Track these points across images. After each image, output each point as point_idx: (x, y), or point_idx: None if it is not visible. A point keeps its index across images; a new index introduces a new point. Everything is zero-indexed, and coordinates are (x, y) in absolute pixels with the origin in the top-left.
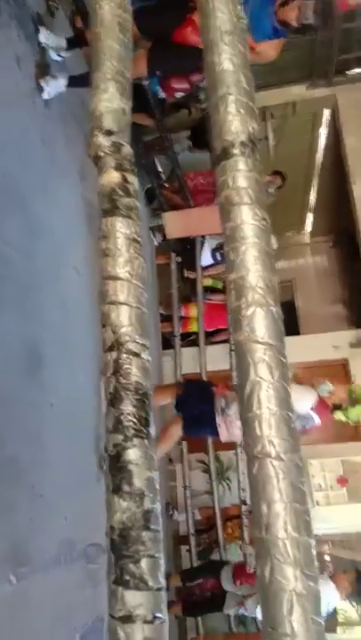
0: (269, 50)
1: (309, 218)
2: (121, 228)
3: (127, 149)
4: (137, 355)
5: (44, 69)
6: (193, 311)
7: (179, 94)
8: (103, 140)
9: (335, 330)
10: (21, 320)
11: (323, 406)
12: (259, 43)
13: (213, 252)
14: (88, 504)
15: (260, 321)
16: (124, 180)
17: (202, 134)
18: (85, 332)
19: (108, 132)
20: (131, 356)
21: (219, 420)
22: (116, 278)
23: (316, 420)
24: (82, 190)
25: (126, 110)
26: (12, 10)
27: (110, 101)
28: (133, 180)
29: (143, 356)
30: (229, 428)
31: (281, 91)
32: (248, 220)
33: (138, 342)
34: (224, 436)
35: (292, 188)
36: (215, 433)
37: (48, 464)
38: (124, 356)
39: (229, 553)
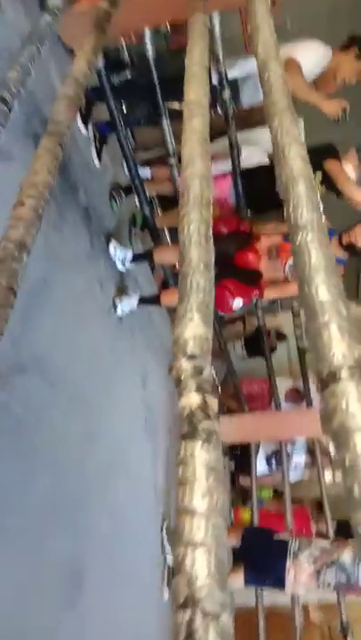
0: None
1: None
2: (201, 454)
3: (208, 372)
4: (216, 617)
5: (121, 290)
6: (245, 515)
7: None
8: (185, 364)
9: None
10: (67, 538)
11: None
12: None
13: (268, 458)
14: None
15: None
16: (205, 402)
17: (255, 343)
18: (132, 548)
19: (191, 357)
20: (208, 620)
21: (289, 564)
22: (192, 513)
23: None
24: (142, 394)
25: (209, 337)
26: (92, 227)
27: (195, 329)
28: (214, 403)
29: (223, 617)
30: (298, 575)
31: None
32: None
33: (217, 600)
34: (290, 586)
35: None
36: (281, 583)
37: None
38: (200, 618)
39: None
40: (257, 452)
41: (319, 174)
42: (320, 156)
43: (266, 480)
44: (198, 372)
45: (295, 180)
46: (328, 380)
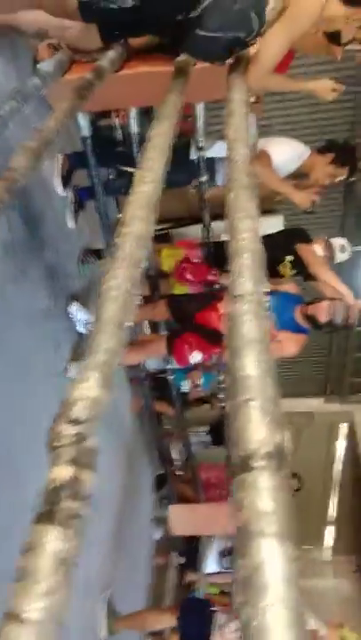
0: (290, 343)
1: (330, 531)
2: (53, 542)
3: (93, 443)
4: None
5: (78, 354)
6: None
7: (199, 387)
8: (66, 429)
9: None
10: None
11: None
12: (279, 331)
13: (220, 556)
14: None
15: None
16: (76, 478)
17: (222, 431)
18: None
19: (75, 421)
20: None
21: (214, 636)
22: (18, 620)
23: None
24: None
25: (103, 402)
26: (57, 287)
27: (88, 390)
28: (88, 480)
29: None
30: None
31: (299, 400)
32: (271, 560)
33: None
34: None
35: (310, 496)
36: None
37: None
38: None
39: None
40: (210, 546)
41: (290, 257)
42: (292, 240)
43: (215, 578)
44: (80, 439)
45: (241, 252)
46: (240, 467)
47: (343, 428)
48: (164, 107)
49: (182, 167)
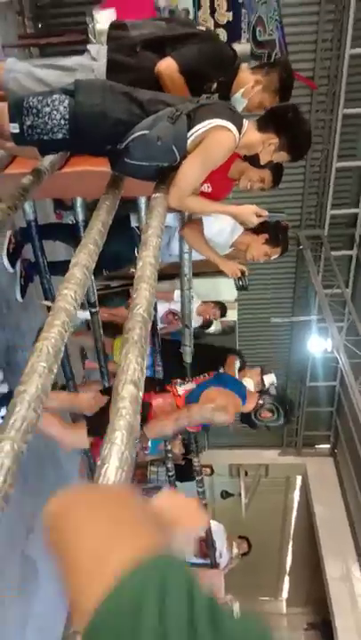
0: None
1: (286, 581)
2: None
3: None
4: None
5: None
6: None
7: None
8: None
9: None
10: None
11: None
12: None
13: None
14: None
15: None
16: None
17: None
18: None
19: None
20: None
21: None
22: None
23: None
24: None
25: None
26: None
27: None
28: None
29: None
30: None
31: (255, 452)
32: None
33: None
34: None
35: (267, 546)
36: None
37: None
38: None
39: None
40: None
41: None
42: (222, 356)
43: None
44: None
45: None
46: None
47: (298, 480)
48: (101, 203)
49: (123, 236)
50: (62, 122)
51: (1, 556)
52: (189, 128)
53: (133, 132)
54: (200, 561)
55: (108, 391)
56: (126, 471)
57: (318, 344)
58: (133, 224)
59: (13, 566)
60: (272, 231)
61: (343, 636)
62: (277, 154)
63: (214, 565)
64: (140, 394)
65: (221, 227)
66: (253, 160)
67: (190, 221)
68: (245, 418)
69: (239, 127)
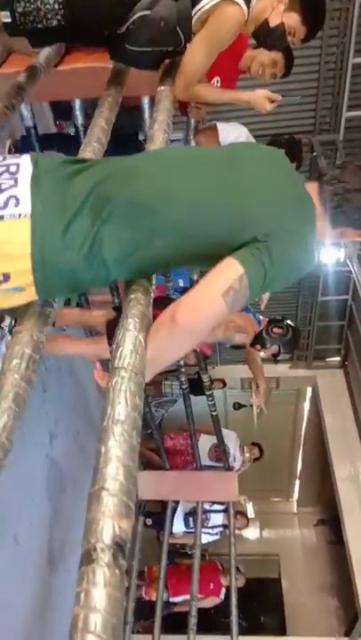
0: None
1: (296, 485)
2: None
3: None
4: None
5: None
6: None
7: None
8: None
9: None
10: None
11: None
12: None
13: (186, 517)
14: None
15: None
16: None
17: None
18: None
19: None
20: None
21: None
22: None
23: None
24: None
25: None
26: None
27: None
28: None
29: None
30: None
31: (266, 366)
32: None
33: None
34: None
35: (279, 452)
36: None
37: None
38: None
39: None
40: (175, 510)
41: None
42: None
43: (181, 539)
44: None
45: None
46: (83, 560)
47: (308, 392)
48: (103, 100)
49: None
50: (56, 6)
51: (25, 458)
52: (194, 5)
53: (134, 12)
54: (216, 464)
55: (119, 309)
56: (140, 354)
57: (331, 254)
58: (141, 138)
59: (40, 468)
60: (284, 147)
61: (351, 530)
62: (288, 15)
63: (229, 468)
64: (152, 287)
65: (238, 134)
66: (266, 41)
67: (205, 127)
68: (258, 337)
69: (247, 1)
